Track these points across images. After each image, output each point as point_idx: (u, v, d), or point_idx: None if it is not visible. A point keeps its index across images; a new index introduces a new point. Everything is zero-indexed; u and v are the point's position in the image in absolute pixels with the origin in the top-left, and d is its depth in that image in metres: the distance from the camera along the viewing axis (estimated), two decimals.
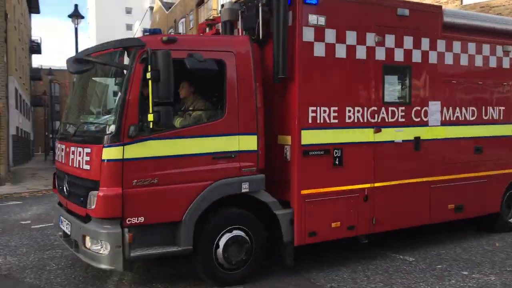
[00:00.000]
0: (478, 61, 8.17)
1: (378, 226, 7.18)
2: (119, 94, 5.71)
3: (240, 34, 6.94)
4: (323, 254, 7.51)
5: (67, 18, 25.59)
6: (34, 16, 35.28)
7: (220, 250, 6.12)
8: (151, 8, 60.26)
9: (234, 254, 6.21)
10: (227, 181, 6.15)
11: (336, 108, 6.76)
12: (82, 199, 5.87)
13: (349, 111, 6.87)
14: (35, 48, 45.02)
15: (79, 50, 13.15)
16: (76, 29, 22.10)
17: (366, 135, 7.02)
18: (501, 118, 8.51)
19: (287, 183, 6.61)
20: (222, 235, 6.14)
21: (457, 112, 7.93)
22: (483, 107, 8.27)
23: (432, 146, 7.64)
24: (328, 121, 6.70)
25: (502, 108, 8.49)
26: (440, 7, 7.78)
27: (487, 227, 8.94)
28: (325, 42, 6.65)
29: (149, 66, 5.49)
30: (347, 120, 6.86)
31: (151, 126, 5.55)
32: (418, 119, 7.48)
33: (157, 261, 6.82)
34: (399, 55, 7.27)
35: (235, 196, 6.28)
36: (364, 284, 6.45)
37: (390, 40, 7.17)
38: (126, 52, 5.77)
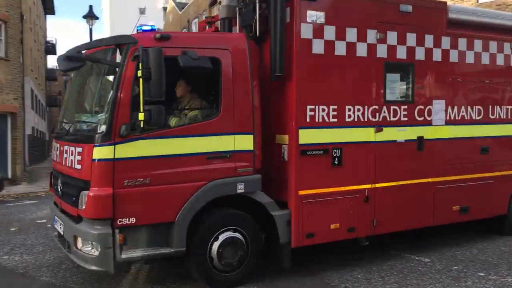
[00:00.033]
0: (485, 59, 7.85)
1: (379, 228, 6.93)
2: (111, 92, 5.54)
3: (238, 31, 6.74)
4: (337, 254, 7.36)
5: (81, 19, 25.66)
6: (49, 17, 35.53)
7: (214, 252, 5.93)
8: (164, 8, 60.27)
9: (229, 255, 6.01)
10: (222, 182, 5.96)
11: (335, 107, 6.52)
12: (74, 199, 5.72)
13: (349, 110, 6.63)
14: (50, 49, 45.23)
15: None
16: (90, 30, 22.05)
17: (366, 135, 6.78)
18: (509, 117, 8.17)
19: (284, 184, 6.40)
20: (217, 236, 5.95)
21: (463, 111, 7.64)
22: (490, 106, 7.96)
23: (436, 146, 7.36)
24: (327, 120, 6.47)
25: (510, 107, 8.17)
26: (445, 3, 7.48)
27: (494, 229, 8.62)
28: (324, 39, 6.42)
29: (140, 64, 5.30)
30: (347, 119, 6.62)
31: (142, 125, 5.36)
32: (422, 118, 7.21)
33: (170, 259, 6.65)
34: (401, 53, 7.00)
35: (231, 196, 6.08)
36: (378, 285, 6.31)
37: (392, 37, 6.91)
38: (118, 50, 5.61)
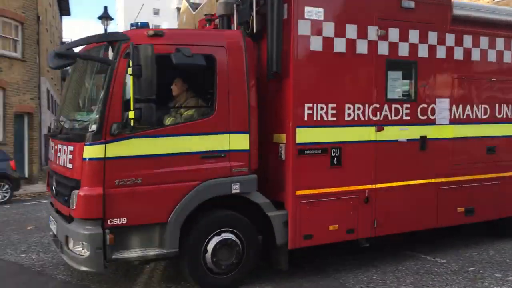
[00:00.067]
0: (492, 56, 7.54)
1: (380, 229, 6.66)
2: (102, 90, 5.37)
3: (236, 28, 6.53)
4: (352, 255, 7.18)
5: (97, 19, 25.69)
6: (65, 18, 35.57)
7: (208, 254, 5.73)
8: (178, 9, 60.27)
9: (224, 258, 5.81)
10: (216, 182, 5.75)
11: (334, 105, 6.28)
12: (66, 198, 5.56)
13: (349, 108, 6.38)
14: None
15: None
16: (105, 31, 22.06)
17: (367, 134, 6.52)
18: None
19: (281, 184, 6.17)
20: (211, 238, 5.75)
21: (468, 110, 7.33)
22: (497, 105, 7.63)
23: (440, 145, 7.06)
24: (325, 119, 6.23)
25: None
26: None
27: (503, 232, 8.28)
28: (323, 36, 6.18)
29: (130, 61, 5.12)
30: (346, 118, 6.37)
31: (132, 124, 5.18)
32: (425, 117, 6.92)
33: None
34: (404, 50, 6.72)
35: (226, 197, 5.88)
36: (394, 285, 6.16)
37: (394, 34, 6.64)
38: (110, 47, 5.43)
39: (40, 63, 24.08)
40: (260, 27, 6.21)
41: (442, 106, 7.07)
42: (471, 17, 7.31)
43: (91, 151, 5.27)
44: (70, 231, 5.43)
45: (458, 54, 7.19)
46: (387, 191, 6.65)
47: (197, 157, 5.67)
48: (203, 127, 5.72)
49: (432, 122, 6.99)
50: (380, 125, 6.56)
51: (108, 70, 5.33)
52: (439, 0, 7.01)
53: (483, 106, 7.47)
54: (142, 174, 5.41)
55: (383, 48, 6.57)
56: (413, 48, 6.79)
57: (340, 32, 6.28)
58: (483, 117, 7.49)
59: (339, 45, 6.28)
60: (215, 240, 5.74)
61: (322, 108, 6.20)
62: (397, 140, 6.73)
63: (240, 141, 5.86)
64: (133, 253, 5.43)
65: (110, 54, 5.41)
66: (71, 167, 5.52)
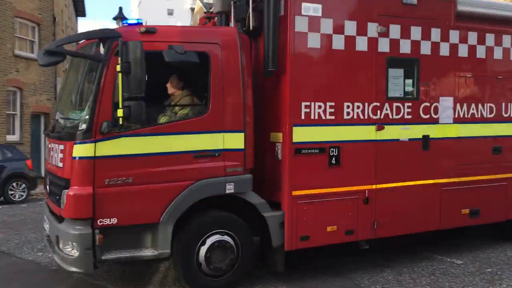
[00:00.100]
0: (498, 54, 7.19)
1: (381, 231, 6.37)
2: (92, 88, 5.18)
3: (234, 25, 6.30)
4: (367, 255, 6.96)
5: (112, 20, 25.61)
6: (80, 19, 35.53)
7: (202, 256, 5.49)
8: (192, 9, 60.08)
9: (218, 260, 5.57)
10: (210, 181, 5.53)
11: (332, 104, 6.02)
12: (58, 197, 5.39)
13: (348, 106, 6.11)
14: None
15: None
16: None
17: (367, 133, 6.24)
18: None
19: (278, 184, 5.92)
20: (205, 240, 5.51)
21: (473, 109, 7.00)
22: (503, 103, 7.29)
23: (443, 145, 6.75)
24: (323, 118, 5.97)
25: None
26: None
27: (510, 234, 7.90)
28: (321, 32, 5.93)
29: (119, 58, 4.92)
30: (345, 117, 6.10)
31: (121, 122, 4.98)
32: (427, 116, 6.61)
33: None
34: (405, 47, 6.43)
35: (221, 197, 5.65)
36: (409, 286, 5.99)
37: (395, 30, 6.35)
38: (101, 44, 5.24)
39: None
40: (257, 24, 5.97)
41: (446, 104, 6.76)
42: (477, 13, 6.97)
43: (81, 150, 5.08)
44: (61, 231, 5.25)
45: (463, 51, 6.87)
46: (388, 191, 6.37)
47: (190, 156, 5.46)
48: (197, 126, 5.51)
49: (435, 121, 6.68)
50: (380, 124, 6.28)
51: (99, 68, 5.14)
52: None
53: (488, 105, 7.14)
54: (133, 173, 5.21)
55: (383, 45, 6.29)
56: (415, 45, 6.49)
57: (338, 28, 6.02)
58: (489, 116, 7.15)
59: (338, 42, 6.03)
60: (208, 242, 5.51)
61: (320, 107, 5.94)
62: (398, 140, 6.44)
63: (235, 140, 5.63)
64: (124, 254, 5.24)
65: (102, 51, 5.22)
66: (61, 166, 5.34)
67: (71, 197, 5.06)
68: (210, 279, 5.58)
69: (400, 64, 6.43)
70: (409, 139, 6.50)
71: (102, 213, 5.08)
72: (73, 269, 5.19)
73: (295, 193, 5.83)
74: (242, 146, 5.67)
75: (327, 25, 5.94)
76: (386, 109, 6.32)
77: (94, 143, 5.06)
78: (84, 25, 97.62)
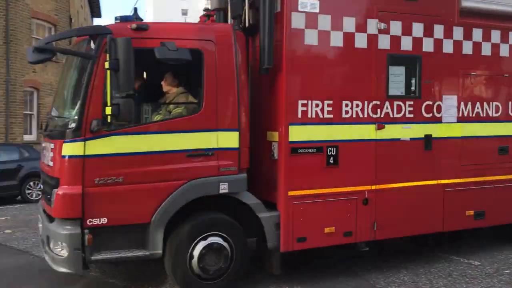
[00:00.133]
0: (504, 51, 6.86)
1: (381, 233, 6.10)
2: (82, 85, 5.00)
3: (231, 22, 6.08)
4: (383, 256, 6.83)
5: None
6: (96, 20, 35.62)
7: (195, 259, 5.27)
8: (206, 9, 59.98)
9: (211, 263, 5.34)
10: (203, 181, 5.31)
11: (330, 102, 5.76)
12: (49, 197, 5.22)
13: (347, 105, 5.85)
14: None
15: None
16: None
17: (366, 132, 5.97)
18: None
19: (274, 183, 5.69)
20: (197, 242, 5.29)
21: (478, 108, 6.68)
22: (510, 102, 6.95)
23: (446, 145, 6.44)
24: (321, 116, 5.72)
25: None
26: None
27: None
28: (318, 29, 5.68)
29: (107, 55, 4.74)
30: (344, 115, 5.84)
31: (109, 120, 4.80)
32: (430, 115, 6.32)
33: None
34: (407, 44, 6.14)
35: (215, 197, 5.43)
36: None
37: (396, 27, 6.07)
38: (92, 40, 5.06)
39: None
40: (253, 20, 5.76)
41: (449, 103, 6.45)
42: (482, 9, 6.64)
43: (70, 149, 4.90)
44: (51, 231, 5.09)
45: (467, 48, 6.56)
46: (389, 192, 6.09)
47: (182, 155, 5.25)
48: (190, 124, 5.30)
49: (438, 120, 6.38)
50: (380, 123, 6.01)
51: (89, 65, 4.97)
52: None
53: (494, 103, 6.81)
54: (124, 172, 5.02)
55: (384, 42, 6.01)
56: (417, 42, 6.20)
57: (337, 25, 5.76)
58: (495, 115, 6.83)
59: (336, 39, 5.78)
60: (201, 244, 5.29)
61: (317, 105, 5.70)
62: (399, 139, 6.16)
63: (229, 139, 5.42)
64: (114, 254, 5.05)
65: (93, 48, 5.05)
66: (52, 165, 5.18)
67: (60, 197, 4.89)
68: (204, 282, 5.36)
69: (401, 62, 6.15)
70: (411, 138, 6.21)
71: (91, 213, 4.91)
72: (63, 269, 5.01)
73: (291, 193, 5.60)
74: (236, 145, 5.45)
75: (325, 22, 5.69)
76: (387, 108, 6.05)
77: (83, 142, 4.88)
78: None
